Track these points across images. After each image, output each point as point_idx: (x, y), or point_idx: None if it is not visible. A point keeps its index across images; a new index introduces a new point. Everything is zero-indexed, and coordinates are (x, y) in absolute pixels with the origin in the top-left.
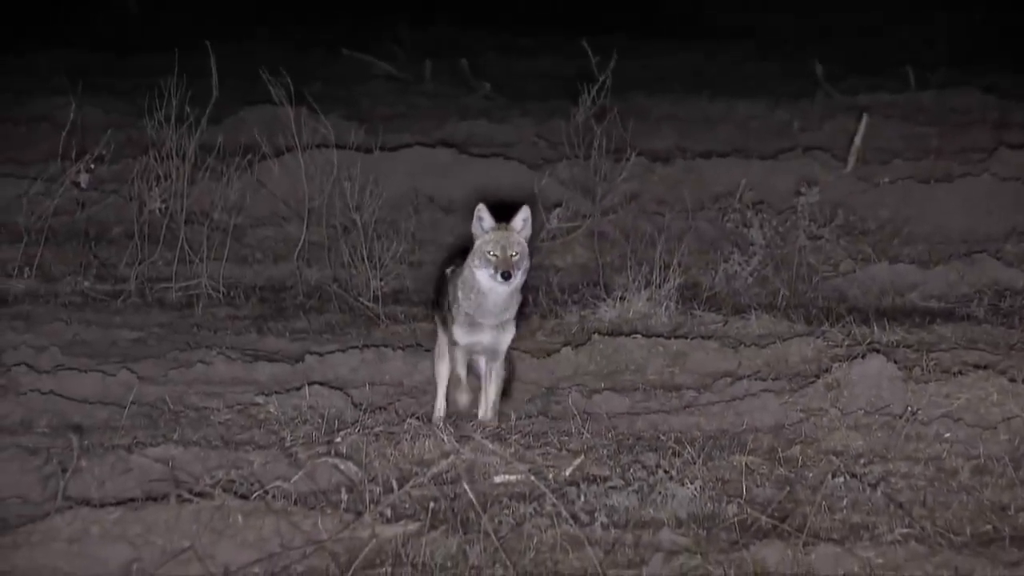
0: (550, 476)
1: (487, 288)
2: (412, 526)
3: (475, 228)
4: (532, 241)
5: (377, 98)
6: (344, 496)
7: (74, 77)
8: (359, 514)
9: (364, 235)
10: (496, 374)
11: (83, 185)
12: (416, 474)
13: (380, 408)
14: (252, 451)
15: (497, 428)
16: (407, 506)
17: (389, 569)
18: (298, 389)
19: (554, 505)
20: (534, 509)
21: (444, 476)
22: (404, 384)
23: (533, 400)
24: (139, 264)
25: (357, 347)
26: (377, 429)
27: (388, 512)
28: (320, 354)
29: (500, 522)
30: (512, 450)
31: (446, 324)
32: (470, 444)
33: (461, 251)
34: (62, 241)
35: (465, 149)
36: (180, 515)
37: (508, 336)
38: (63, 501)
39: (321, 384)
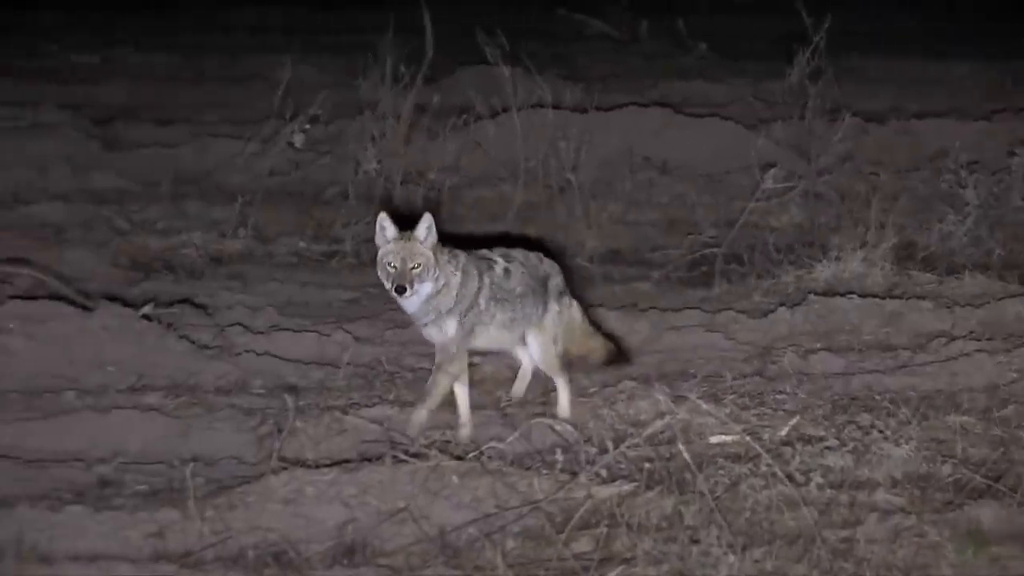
0: (765, 436)
1: (394, 297)
2: (627, 486)
3: (378, 238)
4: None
5: (592, 58)
6: (559, 457)
7: (288, 35)
8: (574, 475)
9: (580, 195)
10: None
11: (298, 145)
12: (631, 435)
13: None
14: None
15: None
16: (622, 467)
17: (604, 529)
18: None
19: (769, 465)
20: (749, 469)
21: (659, 437)
22: None
23: (749, 360)
24: (354, 224)
25: None
26: (592, 390)
27: (603, 472)
28: None
29: (715, 482)
30: (727, 411)
31: None
32: (685, 405)
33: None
34: (277, 201)
35: (680, 109)
36: (395, 476)
37: (443, 331)
38: (278, 462)
39: None
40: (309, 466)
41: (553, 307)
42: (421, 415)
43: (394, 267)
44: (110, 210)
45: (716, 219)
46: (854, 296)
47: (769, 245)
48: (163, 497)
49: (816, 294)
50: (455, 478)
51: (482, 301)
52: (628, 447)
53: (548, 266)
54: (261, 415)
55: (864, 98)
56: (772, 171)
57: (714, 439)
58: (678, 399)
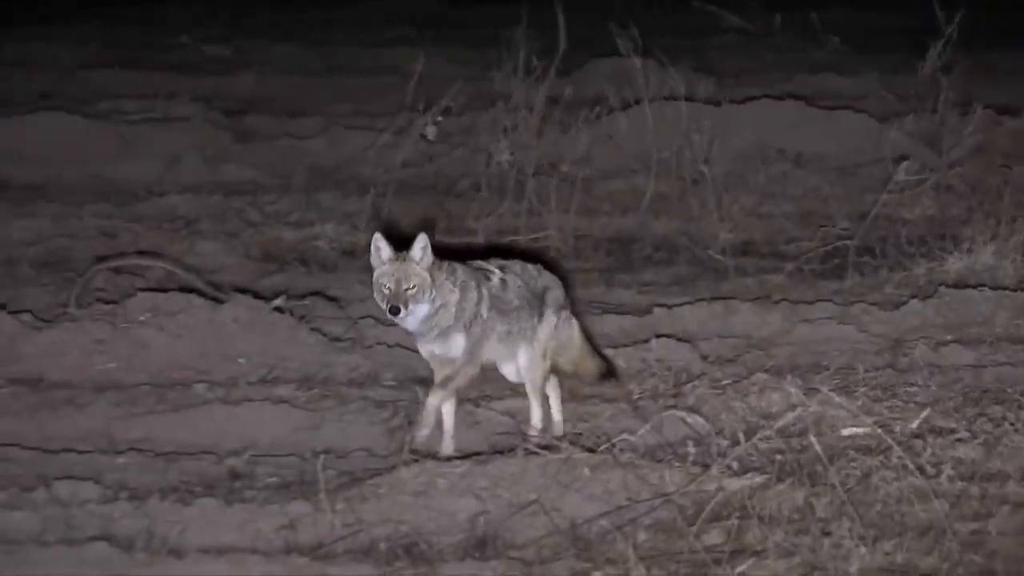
0: (897, 429)
1: (389, 319)
2: (759, 479)
3: (373, 259)
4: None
5: (725, 51)
6: (691, 449)
7: (420, 27)
8: (706, 467)
9: (712, 187)
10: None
11: (430, 137)
12: (763, 427)
13: (728, 361)
14: (599, 404)
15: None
16: (754, 459)
17: (736, 522)
18: (645, 341)
19: (900, 458)
20: (880, 462)
21: (791, 429)
22: (752, 337)
23: (881, 352)
24: (487, 216)
25: (705, 299)
26: (724, 382)
27: (735, 465)
28: (668, 306)
29: (847, 475)
30: (859, 403)
31: None
32: (817, 397)
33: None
34: (409, 193)
35: (813, 102)
36: (527, 468)
37: (452, 347)
38: (409, 454)
39: (668, 336)
40: (440, 458)
41: (550, 319)
42: (423, 433)
43: (389, 288)
44: (242, 202)
45: (849, 211)
46: (985, 288)
47: (901, 237)
48: (294, 490)
49: (947, 286)
50: (586, 470)
51: (484, 311)
52: (760, 439)
53: (547, 279)
54: (392, 407)
55: (996, 91)
56: (904, 164)
57: (846, 431)
58: (810, 391)
